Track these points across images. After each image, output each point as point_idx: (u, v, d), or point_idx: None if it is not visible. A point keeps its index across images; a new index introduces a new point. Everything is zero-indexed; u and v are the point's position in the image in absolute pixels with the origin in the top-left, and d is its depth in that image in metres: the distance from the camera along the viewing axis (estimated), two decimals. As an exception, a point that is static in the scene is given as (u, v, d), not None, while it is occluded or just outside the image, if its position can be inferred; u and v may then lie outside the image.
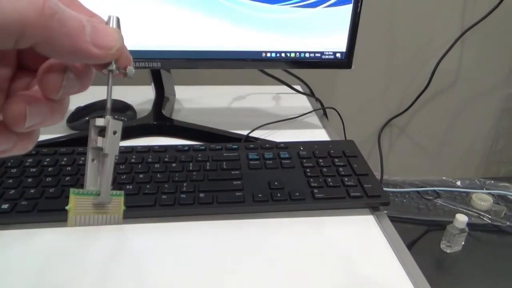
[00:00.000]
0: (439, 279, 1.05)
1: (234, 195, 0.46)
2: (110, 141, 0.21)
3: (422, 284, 0.37)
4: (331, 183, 0.48)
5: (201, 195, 0.45)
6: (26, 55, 0.20)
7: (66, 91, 0.19)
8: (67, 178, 0.47)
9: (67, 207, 0.21)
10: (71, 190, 0.21)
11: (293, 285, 0.37)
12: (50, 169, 0.48)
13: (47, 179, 0.47)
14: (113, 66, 0.20)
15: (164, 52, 0.58)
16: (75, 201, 0.21)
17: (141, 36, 0.57)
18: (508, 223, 1.22)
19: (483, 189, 1.35)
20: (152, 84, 0.73)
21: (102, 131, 0.21)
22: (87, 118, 0.63)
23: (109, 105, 0.21)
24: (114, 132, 0.21)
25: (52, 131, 0.61)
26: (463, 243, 1.13)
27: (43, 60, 0.20)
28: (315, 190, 0.47)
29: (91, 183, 0.21)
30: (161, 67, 0.63)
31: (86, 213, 0.21)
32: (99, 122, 0.21)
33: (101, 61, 0.19)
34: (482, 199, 1.27)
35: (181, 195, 0.45)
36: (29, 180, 0.46)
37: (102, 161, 0.22)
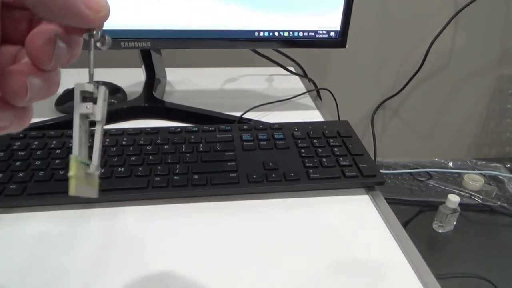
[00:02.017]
0: (431, 258, 1.06)
1: (228, 176, 0.45)
2: (103, 108, 0.21)
3: (419, 262, 0.37)
4: (326, 163, 0.47)
5: (195, 176, 0.44)
6: (9, 26, 0.20)
7: (58, 60, 0.19)
8: (57, 161, 0.46)
9: (70, 174, 0.20)
10: (72, 156, 0.20)
11: (289, 265, 0.37)
12: (38, 152, 0.47)
13: (36, 162, 0.45)
14: (94, 31, 0.20)
15: (154, 31, 0.56)
16: (77, 168, 0.20)
17: (130, 15, 0.55)
18: (499, 203, 1.24)
19: (474, 170, 1.37)
20: (143, 66, 0.71)
21: (87, 98, 0.21)
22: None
23: (92, 71, 0.21)
24: (104, 100, 0.21)
25: (40, 114, 0.60)
26: (455, 223, 1.14)
27: (26, 31, 0.19)
28: (310, 171, 0.46)
29: (80, 152, 0.20)
30: (151, 47, 0.61)
31: (81, 183, 0.20)
32: (89, 87, 0.20)
33: (89, 24, 0.19)
34: (474, 180, 1.28)
35: (175, 177, 0.44)
36: (18, 163, 0.45)
37: (87, 128, 0.21)
